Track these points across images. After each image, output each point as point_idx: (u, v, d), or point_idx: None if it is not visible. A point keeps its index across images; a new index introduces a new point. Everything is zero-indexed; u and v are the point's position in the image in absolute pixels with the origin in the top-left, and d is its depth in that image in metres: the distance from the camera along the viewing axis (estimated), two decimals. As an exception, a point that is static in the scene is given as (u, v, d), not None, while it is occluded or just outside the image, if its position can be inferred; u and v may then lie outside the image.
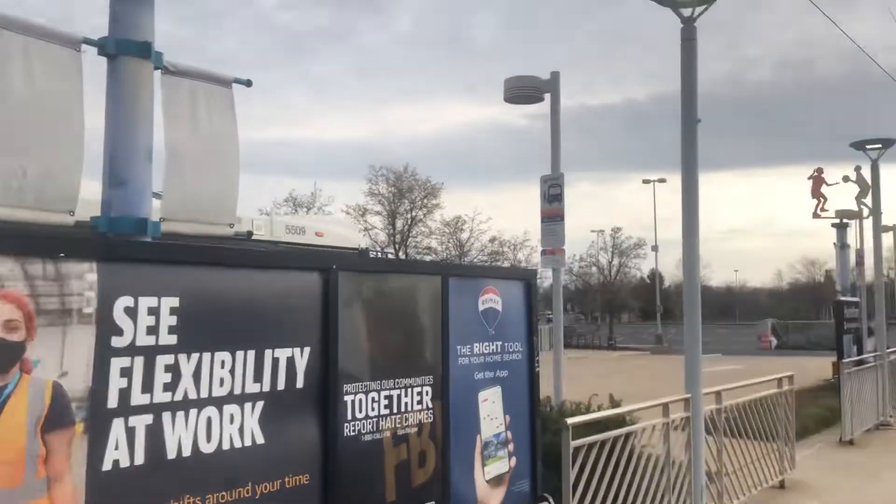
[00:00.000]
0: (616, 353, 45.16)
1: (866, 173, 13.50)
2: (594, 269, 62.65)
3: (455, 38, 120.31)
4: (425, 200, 45.69)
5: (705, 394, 6.72)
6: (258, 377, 3.03)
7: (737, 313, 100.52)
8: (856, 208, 17.24)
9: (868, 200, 17.05)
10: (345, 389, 3.41)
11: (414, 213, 45.56)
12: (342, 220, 16.55)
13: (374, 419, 3.55)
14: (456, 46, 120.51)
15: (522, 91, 8.91)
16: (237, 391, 2.95)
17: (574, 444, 4.85)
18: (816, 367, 28.63)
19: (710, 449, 6.82)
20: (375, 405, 3.56)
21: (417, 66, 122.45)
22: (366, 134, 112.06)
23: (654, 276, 65.92)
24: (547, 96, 8.98)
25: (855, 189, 17.16)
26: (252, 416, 3.00)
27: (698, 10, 6.49)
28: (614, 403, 7.17)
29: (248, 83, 4.64)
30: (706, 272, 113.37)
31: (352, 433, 3.43)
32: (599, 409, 6.56)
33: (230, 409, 2.92)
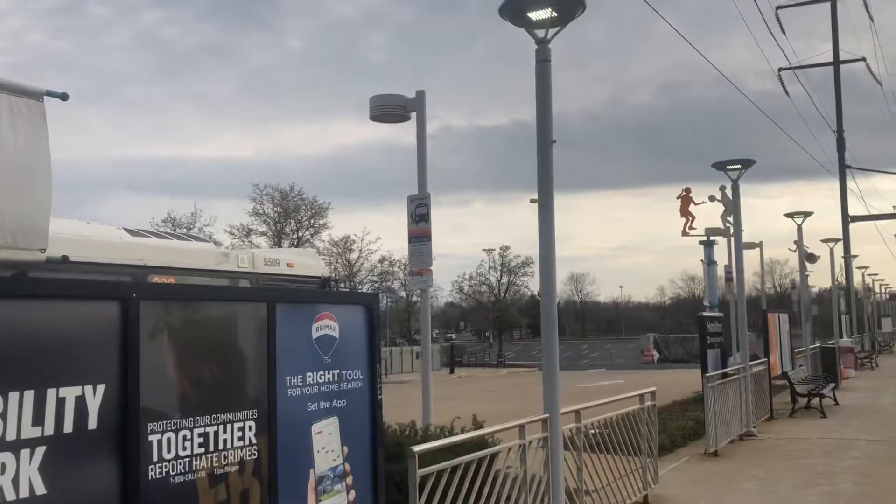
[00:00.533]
0: (505, 371, 45.71)
1: (728, 190, 14.10)
2: (484, 287, 63.38)
3: (346, 56, 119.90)
4: (312, 220, 45.12)
5: (565, 413, 6.73)
6: (38, 420, 2.72)
7: (622, 328, 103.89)
8: (722, 226, 18.02)
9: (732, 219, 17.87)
10: (149, 428, 3.13)
11: (301, 234, 44.82)
12: (308, 253, 17.29)
13: (187, 459, 3.28)
14: (346, 65, 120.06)
15: (387, 110, 8.79)
16: (10, 437, 2.64)
17: (421, 472, 4.69)
18: (692, 380, 29.75)
19: (569, 468, 6.82)
20: (188, 444, 3.29)
21: (308, 84, 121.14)
22: (256, 154, 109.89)
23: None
24: (413, 115, 8.91)
25: (720, 208, 17.94)
26: (30, 465, 2.69)
27: (552, 31, 6.55)
28: (477, 425, 7.10)
29: (64, 97, 4.29)
30: (593, 288, 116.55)
31: (159, 475, 3.16)
32: (463, 430, 6.45)
33: (2, 457, 2.61)
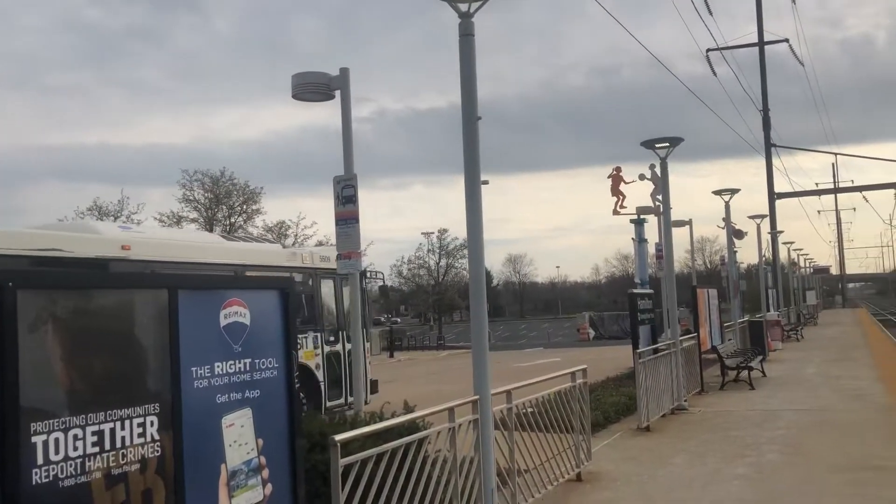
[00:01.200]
0: (445, 353, 45.79)
1: (658, 168, 14.23)
2: (423, 270, 63.28)
3: (277, 40, 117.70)
4: (245, 206, 44.17)
5: (496, 393, 6.63)
6: None
7: (560, 307, 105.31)
8: (652, 205, 18.25)
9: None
10: (33, 429, 2.88)
11: (233, 220, 43.86)
12: None
13: (78, 460, 3.04)
14: (279, 49, 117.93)
15: (310, 88, 8.52)
16: None
17: (345, 461, 4.53)
18: (626, 356, 30.18)
19: (501, 449, 6.74)
20: (79, 443, 3.05)
21: (240, 68, 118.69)
22: (188, 140, 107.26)
23: (482, 274, 67.31)
24: (337, 94, 8.66)
25: (651, 187, 18.16)
26: None
27: (475, 5, 6.38)
28: (408, 409, 6.96)
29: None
30: (531, 269, 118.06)
31: (45, 479, 2.91)
32: (393, 415, 6.29)
33: None
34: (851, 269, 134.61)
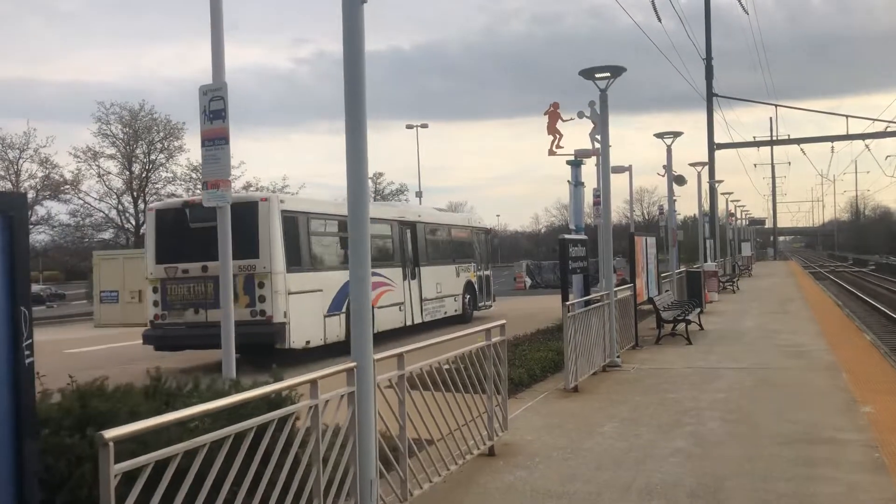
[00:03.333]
0: (377, 300, 44.47)
1: (597, 106, 12.87)
2: (357, 215, 61.58)
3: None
4: (166, 142, 41.57)
5: (382, 358, 5.26)
6: None
7: (499, 256, 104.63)
8: (591, 146, 16.95)
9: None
10: None
11: (153, 157, 41.28)
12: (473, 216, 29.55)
13: None
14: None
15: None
16: None
17: (121, 467, 3.09)
18: (559, 306, 29.20)
19: (388, 428, 5.40)
20: None
21: (172, 2, 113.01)
22: (117, 77, 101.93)
23: (421, 221, 65.99)
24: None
25: (590, 125, 16.82)
26: None
27: None
28: (276, 375, 5.54)
29: None
30: (472, 218, 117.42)
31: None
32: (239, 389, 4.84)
33: None
34: (783, 222, 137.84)
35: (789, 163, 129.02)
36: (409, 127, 57.24)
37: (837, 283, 45.52)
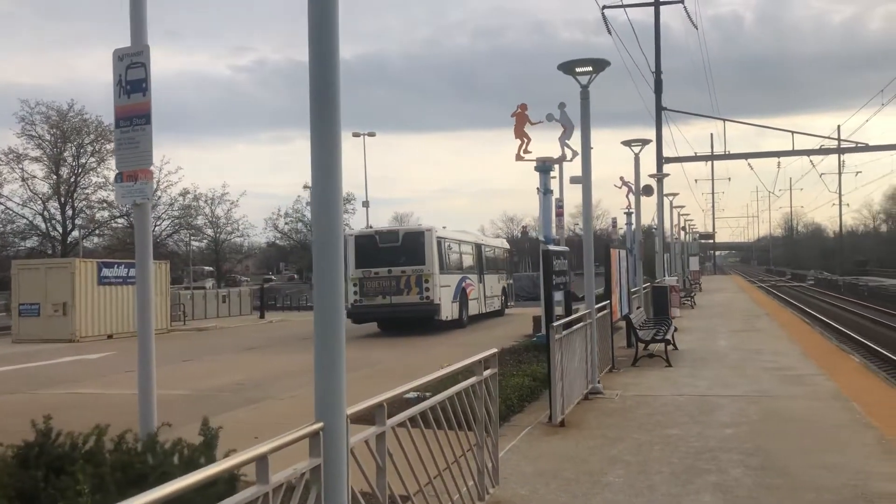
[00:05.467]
0: (320, 314, 42.67)
1: (575, 103, 11.62)
2: (301, 224, 59.43)
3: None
4: (97, 145, 39.09)
5: (356, 412, 3.80)
6: None
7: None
8: (561, 151, 15.76)
9: (571, 142, 15.61)
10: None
11: (83, 160, 38.73)
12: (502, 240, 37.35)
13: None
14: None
15: None
16: None
17: None
18: (516, 320, 28.12)
19: (361, 501, 3.94)
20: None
21: (108, 8, 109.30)
22: (55, 81, 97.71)
23: (366, 232, 64.16)
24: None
25: (559, 130, 15.64)
26: None
27: None
28: (207, 436, 4.07)
29: None
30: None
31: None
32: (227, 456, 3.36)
33: None
34: (720, 237, 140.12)
35: (729, 178, 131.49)
36: (357, 135, 55.75)
37: (783, 298, 45.42)
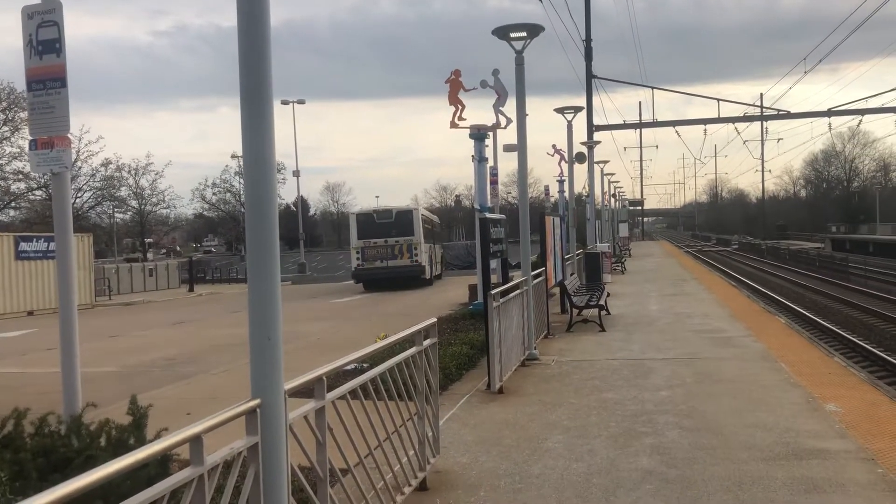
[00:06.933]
0: (252, 286, 42.02)
1: (510, 68, 11.53)
2: (229, 195, 58.18)
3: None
4: (10, 113, 37.29)
5: (294, 388, 3.66)
6: None
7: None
8: (495, 118, 15.68)
9: (505, 109, 15.54)
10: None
11: (-5, 129, 36.95)
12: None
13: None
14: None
15: None
16: None
17: None
18: (451, 288, 28.28)
19: (301, 477, 3.82)
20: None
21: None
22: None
23: (298, 203, 63.34)
24: None
25: (492, 97, 15.53)
26: None
27: None
28: (137, 415, 3.88)
29: None
30: (350, 199, 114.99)
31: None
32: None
33: None
34: (649, 204, 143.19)
35: (657, 146, 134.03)
36: (285, 103, 54.67)
37: (710, 262, 46.72)
